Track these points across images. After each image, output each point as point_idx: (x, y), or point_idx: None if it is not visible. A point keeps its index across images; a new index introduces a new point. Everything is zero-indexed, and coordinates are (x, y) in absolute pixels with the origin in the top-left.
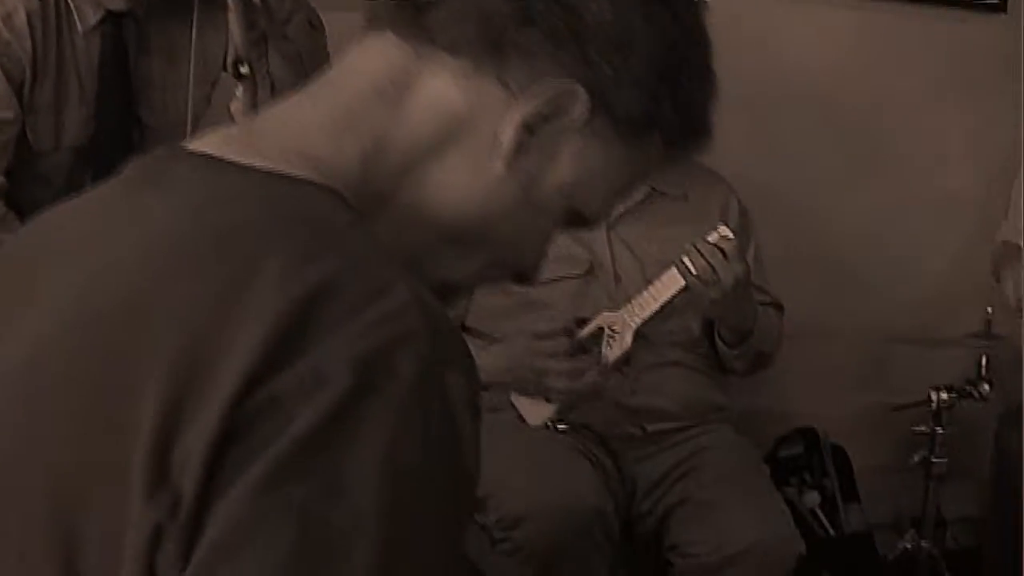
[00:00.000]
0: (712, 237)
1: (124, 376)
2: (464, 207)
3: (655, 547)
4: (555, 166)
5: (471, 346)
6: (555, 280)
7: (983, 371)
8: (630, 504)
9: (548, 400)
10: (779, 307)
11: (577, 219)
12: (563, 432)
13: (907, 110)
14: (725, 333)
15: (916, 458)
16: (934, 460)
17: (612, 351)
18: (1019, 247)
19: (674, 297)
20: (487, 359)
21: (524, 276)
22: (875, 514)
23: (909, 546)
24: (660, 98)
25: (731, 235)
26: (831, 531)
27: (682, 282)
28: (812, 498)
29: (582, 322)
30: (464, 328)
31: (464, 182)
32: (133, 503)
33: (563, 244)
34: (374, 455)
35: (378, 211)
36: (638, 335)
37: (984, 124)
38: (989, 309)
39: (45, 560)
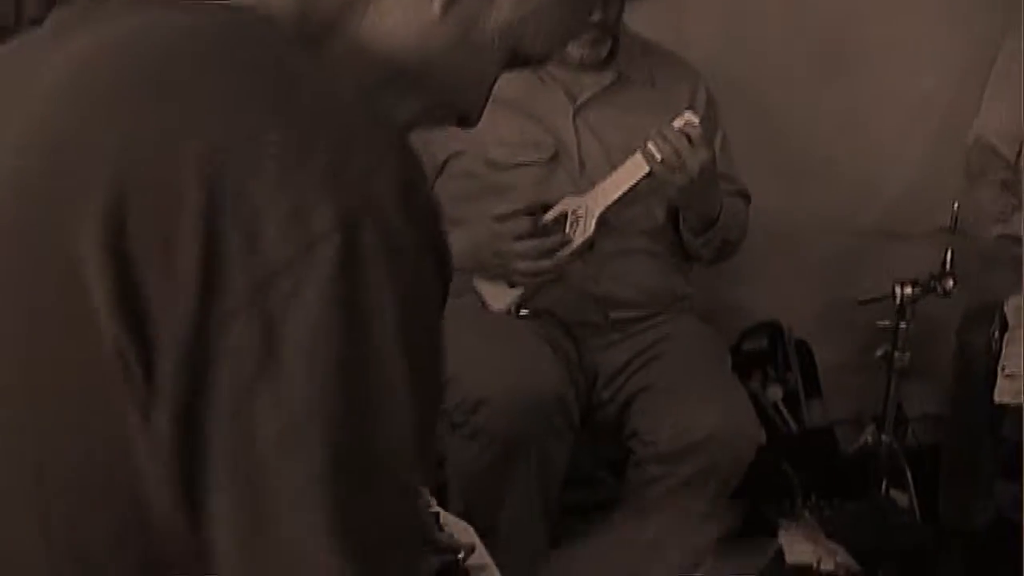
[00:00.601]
0: (678, 123)
1: (64, 225)
2: (402, 49)
3: (616, 435)
4: (495, 6)
5: None
6: (519, 165)
7: (947, 266)
8: (591, 392)
9: (511, 285)
10: (746, 197)
11: (521, 60)
12: (525, 318)
13: (881, 8)
14: (690, 220)
15: (879, 352)
16: (896, 354)
17: (575, 236)
18: (993, 146)
19: (638, 183)
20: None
21: (467, 119)
22: (837, 410)
23: (869, 439)
24: None
25: (696, 121)
26: (793, 425)
27: (646, 168)
28: (774, 392)
29: (546, 208)
30: None
31: (400, 23)
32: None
33: (528, 129)
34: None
35: (315, 51)
36: (602, 221)
37: (957, 23)
38: (956, 205)
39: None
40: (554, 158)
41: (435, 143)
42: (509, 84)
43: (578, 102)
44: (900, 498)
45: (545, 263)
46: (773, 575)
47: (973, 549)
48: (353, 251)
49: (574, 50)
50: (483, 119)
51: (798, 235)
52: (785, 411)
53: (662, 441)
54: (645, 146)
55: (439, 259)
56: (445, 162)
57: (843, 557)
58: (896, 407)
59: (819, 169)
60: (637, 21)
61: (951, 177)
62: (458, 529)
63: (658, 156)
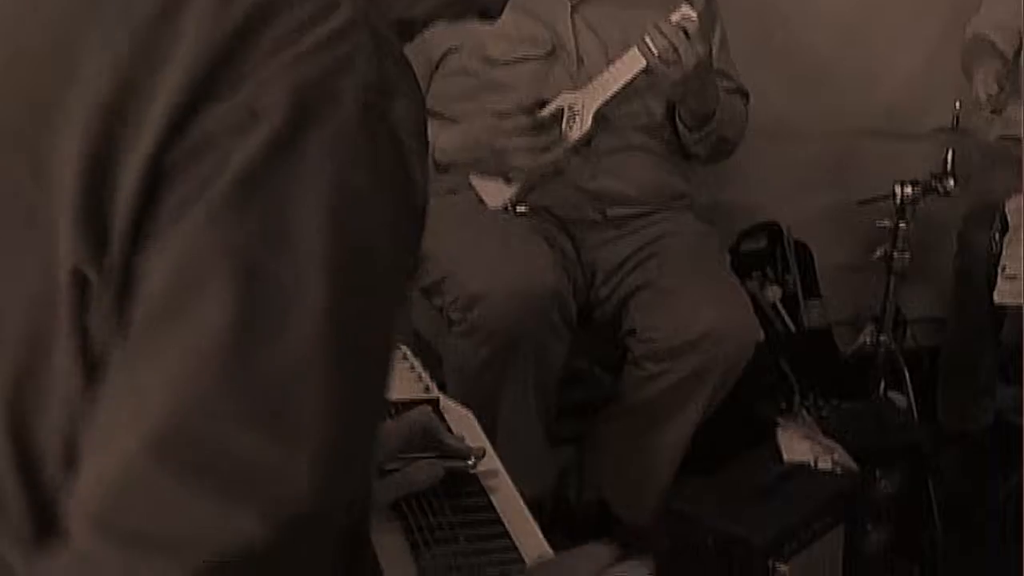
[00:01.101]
0: (675, 17)
1: (50, 116)
2: None
3: (613, 333)
4: None
5: (431, 127)
6: (517, 61)
7: (949, 166)
8: (589, 290)
9: (508, 182)
10: (744, 94)
11: None
12: (522, 215)
13: None
14: (686, 116)
15: (878, 253)
16: (895, 255)
17: (572, 132)
18: (991, 42)
19: (635, 78)
20: (446, 139)
21: (488, 12)
22: (836, 312)
23: (867, 340)
24: None
25: (694, 15)
26: (791, 326)
27: (643, 62)
28: (773, 292)
29: (543, 104)
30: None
31: None
32: (60, 258)
33: (525, 25)
34: (318, 196)
35: None
36: (599, 117)
37: None
38: (957, 104)
39: None
40: (551, 54)
41: (429, 41)
42: None
43: None
44: (899, 400)
45: (543, 158)
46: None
47: (972, 451)
48: (289, 136)
49: None
50: None
51: (798, 135)
52: (784, 312)
53: (659, 339)
54: (642, 40)
55: (402, 173)
56: (440, 60)
57: (841, 455)
58: (895, 309)
59: (820, 69)
60: None
61: (953, 77)
62: (459, 417)
63: (654, 50)
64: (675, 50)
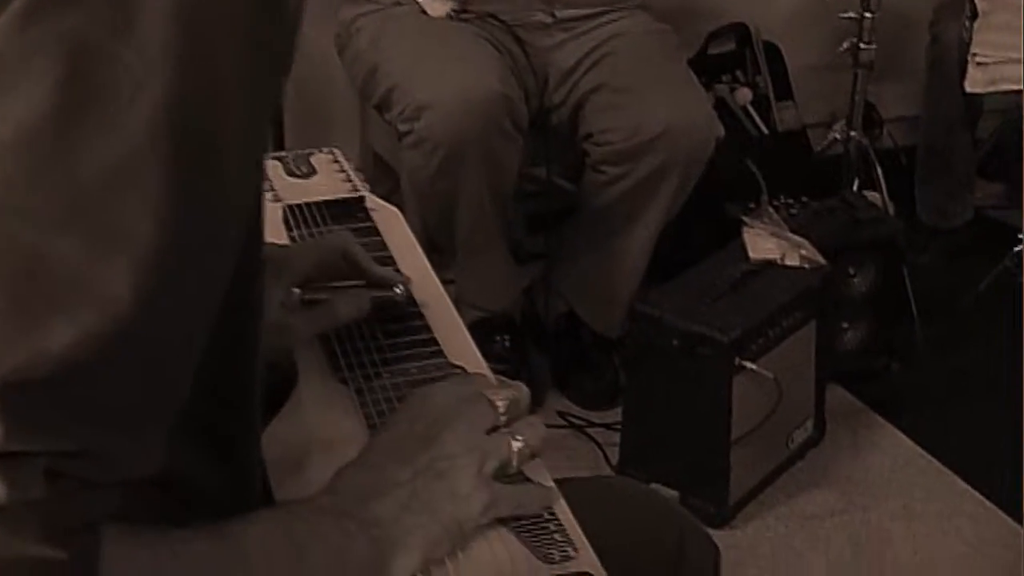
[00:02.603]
0: None
1: None
2: None
3: (570, 137)
4: None
5: None
6: None
7: None
8: (542, 95)
9: None
10: None
11: None
12: (467, 21)
13: None
14: None
15: (845, 45)
16: (862, 47)
17: None
18: None
19: None
20: None
21: None
22: (810, 113)
23: (838, 136)
24: None
25: None
26: (764, 128)
27: None
28: (743, 95)
29: None
30: None
31: None
32: None
33: None
34: None
35: None
36: None
37: None
38: None
39: None
40: None
41: None
42: None
43: None
44: (872, 196)
45: None
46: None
47: (951, 246)
48: None
49: None
50: None
51: None
52: (755, 114)
53: (617, 140)
54: None
55: None
56: None
57: (809, 251)
58: (868, 106)
59: None
60: None
61: None
62: (386, 216)
63: None
64: None
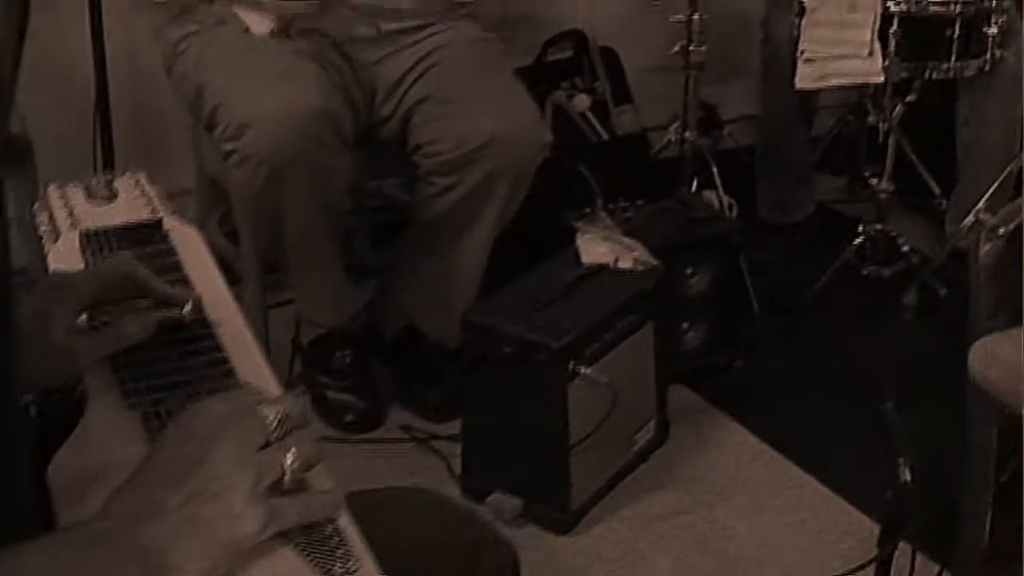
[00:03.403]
0: None
1: None
2: None
3: (401, 149)
4: None
5: None
6: None
7: None
8: (371, 109)
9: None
10: None
11: None
12: (291, 38)
13: None
14: None
15: (676, 48)
16: (692, 49)
17: None
18: None
19: None
20: None
21: None
22: (651, 116)
23: (673, 139)
24: None
25: None
26: (604, 134)
27: None
28: (582, 101)
29: None
30: None
31: None
32: None
33: None
34: None
35: None
36: None
37: None
38: None
39: None
40: None
41: None
42: None
43: None
44: (709, 196)
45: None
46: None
47: (792, 240)
48: None
49: None
50: None
51: None
52: (594, 120)
53: (444, 151)
54: None
55: None
56: None
57: (641, 253)
58: (708, 107)
59: None
60: None
61: None
62: (184, 238)
63: None
64: None
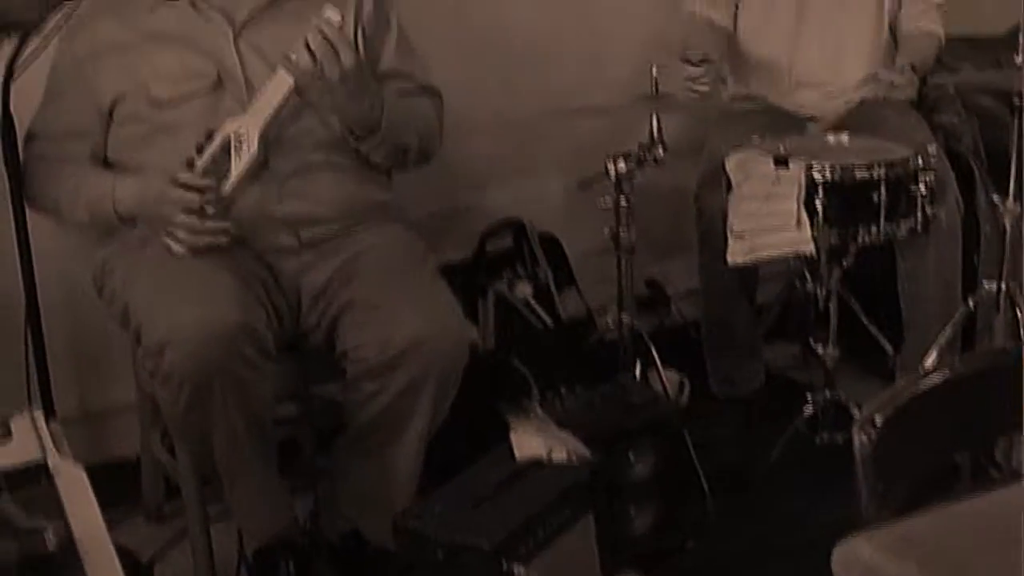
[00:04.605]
0: (315, 23)
1: None
2: None
3: (328, 358)
4: None
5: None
6: (183, 99)
7: (655, 134)
8: (297, 317)
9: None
10: (432, 93)
11: None
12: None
13: None
14: (348, 126)
15: (606, 232)
16: (622, 232)
17: (240, 159)
18: (710, 20)
19: (288, 95)
20: (124, 192)
21: None
22: (597, 296)
23: (610, 323)
24: None
25: (335, 19)
26: (548, 320)
27: (290, 80)
28: (523, 289)
29: (211, 135)
30: (105, 161)
31: None
32: None
33: (188, 60)
34: None
35: None
36: (265, 140)
37: None
38: (653, 69)
39: None
40: (219, 85)
41: (99, 89)
42: (166, 18)
43: (237, 23)
44: (668, 378)
45: (202, 235)
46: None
47: (743, 413)
48: None
49: None
50: (142, 59)
51: (522, 124)
52: (538, 306)
53: (370, 356)
54: (286, 57)
55: None
56: (111, 108)
57: (574, 445)
58: (653, 284)
59: (533, 51)
60: None
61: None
62: (71, 480)
63: (300, 64)
64: (319, 63)
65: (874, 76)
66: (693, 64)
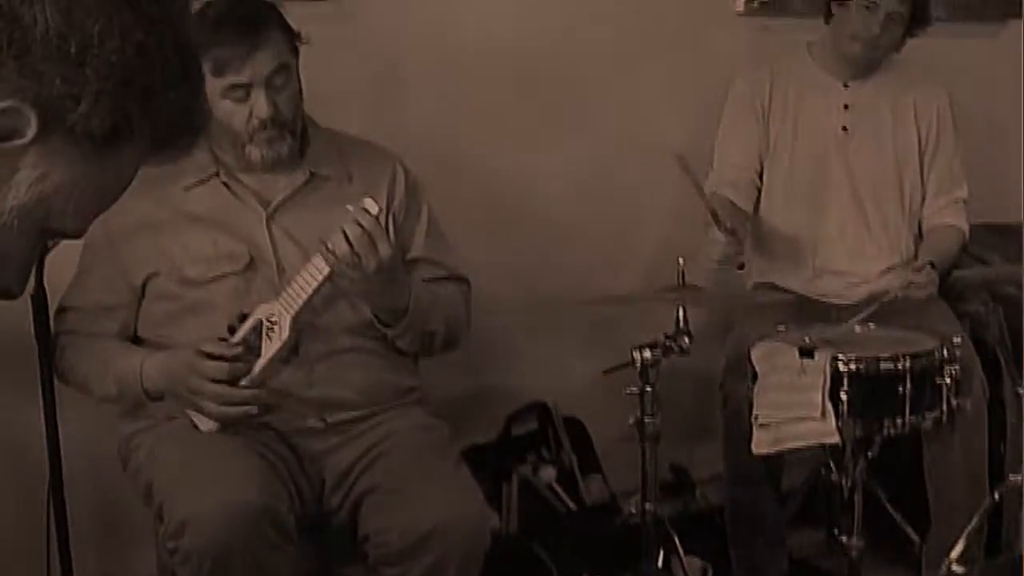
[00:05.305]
0: (352, 213)
1: None
2: None
3: (351, 540)
4: (10, 189)
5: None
6: (214, 280)
7: (681, 324)
8: (320, 499)
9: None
10: (461, 280)
11: (58, 234)
12: (239, 433)
13: (600, 61)
14: (377, 313)
15: (631, 420)
16: (647, 420)
17: (272, 344)
18: (729, 199)
19: (323, 283)
20: (152, 368)
21: (7, 293)
22: (623, 481)
23: (633, 510)
24: (128, 108)
25: (374, 209)
26: (571, 504)
27: (326, 268)
28: (547, 473)
29: (244, 318)
30: (136, 338)
31: None
32: None
33: (221, 242)
34: None
35: None
36: (297, 325)
37: (681, 73)
38: (681, 260)
39: None
40: (250, 267)
41: (132, 267)
42: (200, 199)
43: (271, 206)
44: (691, 564)
45: (234, 405)
46: None
47: None
48: None
49: (253, 151)
50: (175, 238)
51: (551, 306)
52: (561, 491)
53: (392, 541)
54: (324, 245)
55: None
56: (144, 285)
57: None
58: (678, 470)
59: (562, 233)
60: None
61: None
62: None
63: (337, 254)
64: (356, 253)
65: (894, 271)
66: (721, 228)
